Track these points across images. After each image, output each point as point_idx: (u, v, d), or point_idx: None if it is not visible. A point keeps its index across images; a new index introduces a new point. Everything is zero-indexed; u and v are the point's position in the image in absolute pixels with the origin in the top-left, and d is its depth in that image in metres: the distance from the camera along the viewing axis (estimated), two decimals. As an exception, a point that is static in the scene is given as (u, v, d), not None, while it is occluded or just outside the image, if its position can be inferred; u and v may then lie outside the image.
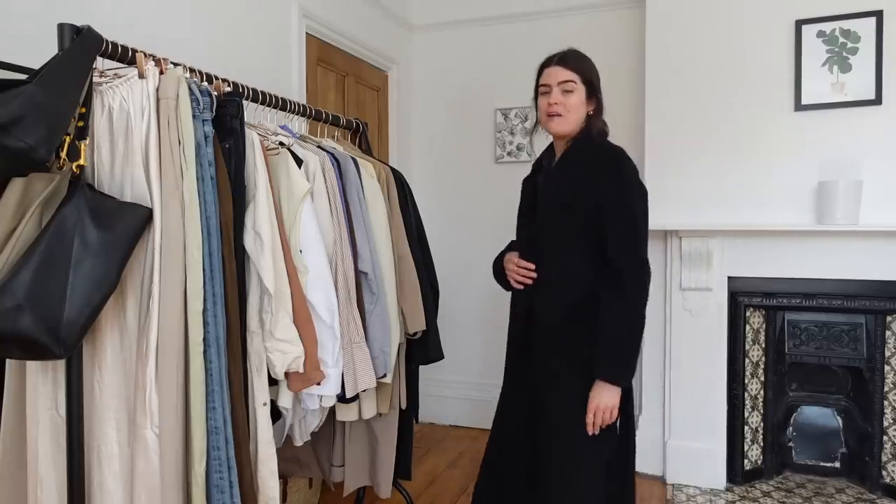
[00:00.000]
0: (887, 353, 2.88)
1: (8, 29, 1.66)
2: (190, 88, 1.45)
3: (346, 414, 2.11)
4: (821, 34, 2.87)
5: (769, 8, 2.94)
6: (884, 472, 2.88)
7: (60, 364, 1.38)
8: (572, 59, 1.76)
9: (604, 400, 1.65)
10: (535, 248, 1.78)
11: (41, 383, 1.39)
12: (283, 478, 2.35)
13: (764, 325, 3.07)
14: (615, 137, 1.84)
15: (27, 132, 1.19)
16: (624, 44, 3.43)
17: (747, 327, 3.04)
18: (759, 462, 3.09)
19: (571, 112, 1.73)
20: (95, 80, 1.40)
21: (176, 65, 1.54)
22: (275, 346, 1.61)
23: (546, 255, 1.75)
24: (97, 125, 1.40)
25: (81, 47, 1.34)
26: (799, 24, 2.89)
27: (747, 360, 3.05)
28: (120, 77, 1.43)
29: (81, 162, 1.33)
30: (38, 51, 1.46)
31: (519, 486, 1.79)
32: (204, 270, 1.41)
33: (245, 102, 1.74)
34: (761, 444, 3.09)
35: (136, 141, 1.39)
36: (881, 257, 2.78)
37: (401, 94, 3.83)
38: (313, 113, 2.30)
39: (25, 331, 1.20)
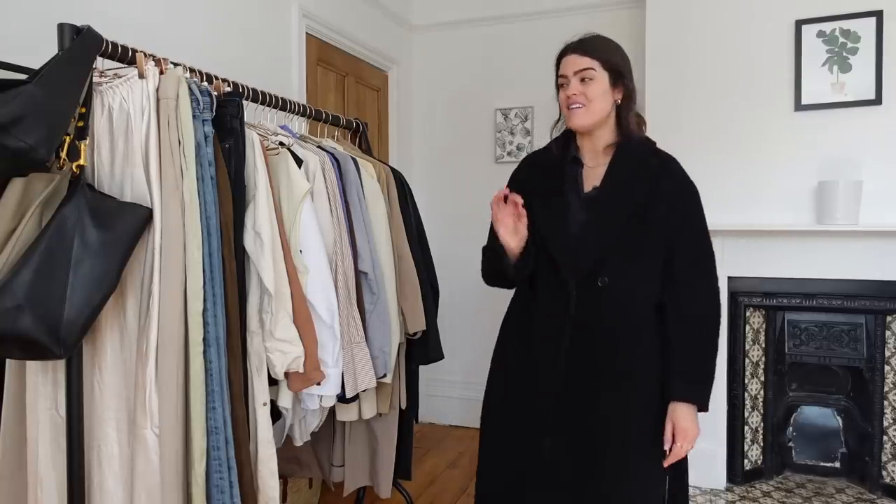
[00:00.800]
0: (887, 353, 2.88)
1: (8, 29, 1.66)
2: (190, 88, 1.45)
3: (346, 414, 2.11)
4: (821, 34, 2.86)
5: (769, 8, 2.94)
6: (884, 472, 2.88)
7: (60, 364, 1.38)
8: (591, 45, 1.56)
9: (692, 426, 1.49)
10: (589, 258, 1.52)
11: (41, 383, 1.39)
12: (283, 478, 2.35)
13: (764, 325, 3.07)
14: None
15: (27, 132, 1.19)
16: (624, 44, 3.42)
17: (747, 327, 3.04)
18: (759, 462, 3.09)
19: (593, 102, 1.53)
20: (95, 80, 1.40)
21: (176, 65, 1.54)
22: (275, 346, 1.61)
23: (609, 267, 1.51)
24: (97, 125, 1.40)
25: (81, 47, 1.34)
26: (799, 24, 2.89)
27: (747, 360, 3.05)
28: (120, 77, 1.43)
29: (81, 162, 1.33)
30: (38, 51, 1.46)
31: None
32: (204, 270, 1.41)
33: (245, 102, 1.74)
34: (761, 444, 3.09)
35: (136, 141, 1.39)
36: (881, 257, 2.78)
37: (401, 94, 3.83)
38: (313, 113, 2.30)
39: (25, 331, 1.20)
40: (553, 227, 1.55)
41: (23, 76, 1.29)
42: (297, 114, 2.21)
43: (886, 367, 2.88)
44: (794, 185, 2.92)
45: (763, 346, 3.08)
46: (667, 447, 1.52)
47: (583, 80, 1.53)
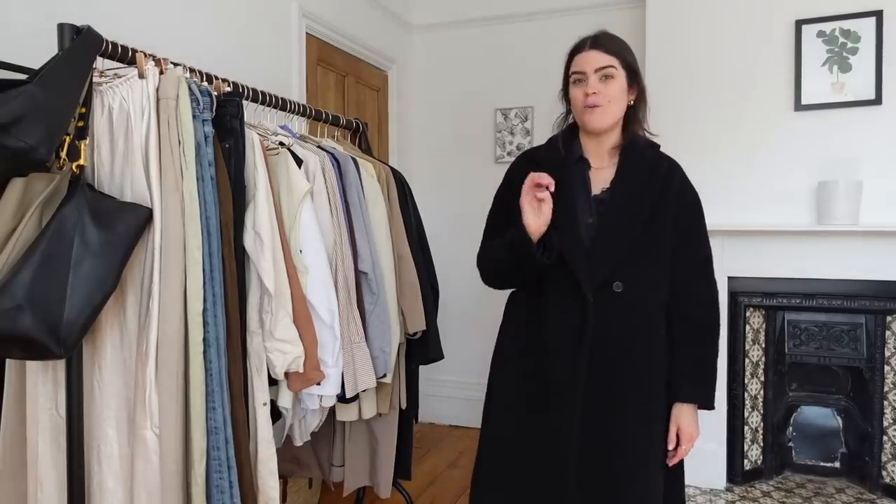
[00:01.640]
0: (887, 353, 2.88)
1: (8, 29, 1.66)
2: (190, 88, 1.45)
3: (346, 414, 2.11)
4: (821, 34, 2.86)
5: (769, 8, 2.94)
6: (884, 472, 2.88)
7: (60, 364, 1.38)
8: (609, 42, 1.49)
9: (695, 427, 1.51)
10: (606, 263, 1.47)
11: (41, 383, 1.39)
12: (283, 478, 2.35)
13: (764, 325, 3.07)
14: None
15: (27, 132, 1.19)
16: (624, 44, 3.43)
17: (747, 327, 3.04)
18: (759, 462, 3.09)
19: (613, 103, 1.47)
20: (95, 80, 1.40)
21: (176, 65, 1.54)
22: (275, 346, 1.61)
23: (623, 272, 1.47)
24: (97, 125, 1.40)
25: (81, 47, 1.34)
26: (799, 24, 2.89)
27: (747, 360, 3.05)
28: (120, 77, 1.43)
29: (81, 162, 1.33)
30: (38, 51, 1.46)
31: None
32: (204, 270, 1.41)
33: (245, 102, 1.74)
34: (761, 444, 3.09)
35: (136, 141, 1.39)
36: (881, 257, 2.78)
37: (401, 94, 3.83)
38: (313, 113, 2.30)
39: (25, 331, 1.20)
40: (564, 229, 1.48)
41: (23, 76, 1.29)
42: (297, 114, 2.21)
43: (886, 367, 2.88)
44: (794, 185, 2.92)
45: (763, 346, 3.08)
46: (671, 447, 1.53)
47: (603, 78, 1.46)
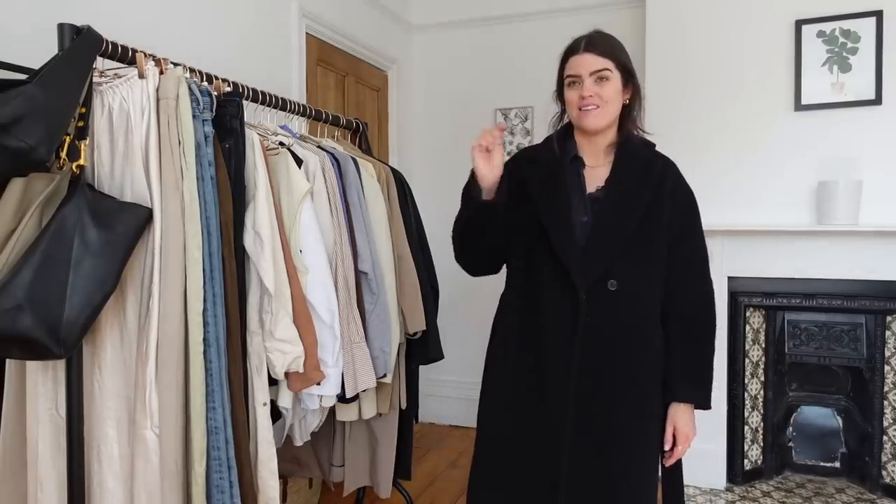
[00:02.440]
0: (887, 353, 2.88)
1: (8, 29, 1.66)
2: (190, 88, 1.45)
3: (346, 414, 2.11)
4: (821, 34, 2.86)
5: (769, 8, 2.94)
6: (884, 472, 2.88)
7: (60, 364, 1.38)
8: (602, 43, 1.50)
9: (691, 426, 1.51)
10: (601, 262, 1.47)
11: (41, 383, 1.39)
12: (283, 478, 2.35)
13: (764, 325, 3.07)
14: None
15: (27, 132, 1.19)
16: (624, 44, 3.42)
17: (747, 327, 3.04)
18: (759, 462, 3.09)
19: (609, 104, 1.48)
20: (95, 80, 1.40)
21: (176, 65, 1.54)
22: (275, 346, 1.61)
23: (618, 271, 1.47)
24: (97, 125, 1.40)
25: (81, 47, 1.34)
26: (799, 24, 2.89)
27: (747, 360, 3.05)
28: (120, 77, 1.43)
29: (81, 162, 1.33)
30: (38, 51, 1.46)
31: None
32: (204, 270, 1.41)
33: (245, 102, 1.74)
34: (761, 444, 3.09)
35: (136, 141, 1.39)
36: (881, 257, 2.78)
37: (401, 94, 3.83)
38: (313, 113, 2.30)
39: (25, 331, 1.20)
40: (559, 228, 1.48)
41: (23, 76, 1.29)
42: (297, 114, 2.21)
43: (886, 367, 2.88)
44: (794, 185, 2.92)
45: (763, 346, 3.08)
46: (667, 447, 1.53)
47: (598, 80, 1.47)
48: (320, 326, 1.76)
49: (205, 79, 1.66)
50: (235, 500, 1.44)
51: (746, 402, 3.05)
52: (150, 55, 1.48)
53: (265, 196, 1.61)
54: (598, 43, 1.49)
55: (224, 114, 1.56)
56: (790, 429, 3.13)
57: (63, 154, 1.32)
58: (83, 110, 1.35)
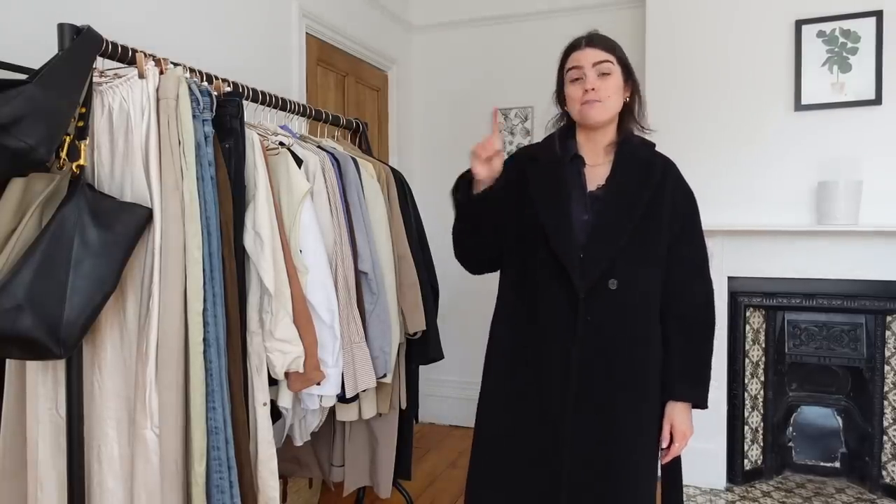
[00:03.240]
0: (887, 353, 2.88)
1: (8, 29, 1.66)
2: (190, 88, 1.45)
3: (346, 414, 2.11)
4: (821, 34, 2.87)
5: (769, 8, 2.94)
6: (884, 472, 2.88)
7: (60, 364, 1.38)
8: (602, 40, 1.51)
9: (688, 425, 1.51)
10: (601, 261, 1.46)
11: (41, 383, 1.39)
12: (283, 478, 2.35)
13: (764, 325, 3.07)
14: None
15: (27, 132, 1.19)
16: (624, 44, 3.41)
17: (747, 327, 3.04)
18: (759, 462, 3.09)
19: (611, 98, 1.49)
20: (95, 80, 1.40)
21: (176, 65, 1.54)
22: (275, 345, 1.61)
23: (619, 270, 1.46)
24: (97, 125, 1.40)
25: (81, 47, 1.34)
26: (799, 24, 2.89)
27: (747, 360, 3.05)
28: (120, 77, 1.43)
29: (81, 162, 1.33)
30: (38, 51, 1.46)
31: None
32: (204, 270, 1.41)
33: (245, 102, 1.74)
34: (761, 444, 3.09)
35: (136, 141, 1.39)
36: (881, 257, 2.78)
37: (401, 94, 3.83)
38: (313, 113, 2.30)
39: (25, 331, 1.20)
40: (559, 227, 1.48)
41: (23, 76, 1.29)
42: (297, 114, 2.21)
43: (886, 367, 2.88)
44: (794, 185, 2.92)
45: (763, 346, 3.08)
46: (664, 445, 1.53)
47: (601, 73, 1.48)
48: (320, 326, 1.76)
49: (205, 79, 1.66)
50: (235, 500, 1.44)
51: (746, 402, 3.05)
52: (150, 55, 1.48)
53: (265, 196, 1.61)
54: (599, 39, 1.52)
55: (224, 114, 1.56)
56: (790, 429, 3.13)
57: (63, 154, 1.32)
58: (83, 110, 1.35)
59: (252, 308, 1.63)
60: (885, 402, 2.88)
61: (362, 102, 3.46)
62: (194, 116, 1.43)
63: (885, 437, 2.88)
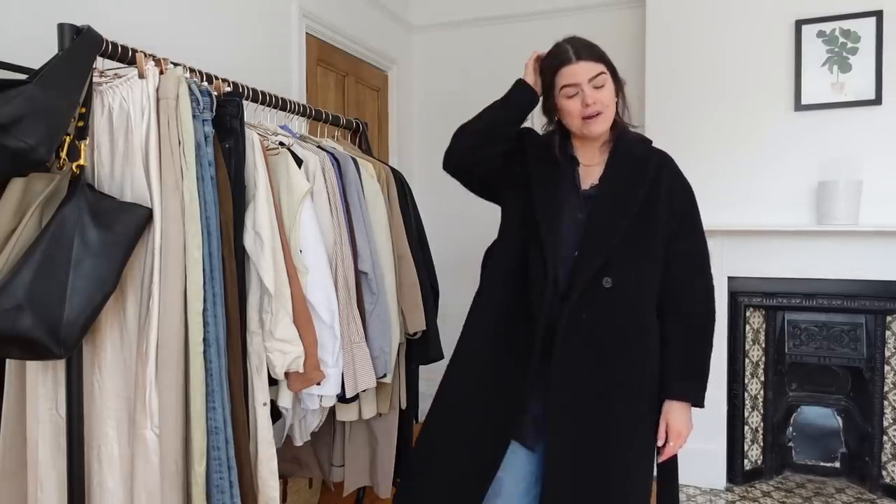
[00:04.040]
0: (887, 353, 2.88)
1: (8, 29, 1.66)
2: (190, 88, 1.45)
3: (346, 414, 2.11)
4: (821, 34, 2.87)
5: (769, 8, 2.94)
6: (884, 472, 2.88)
7: (60, 364, 1.38)
8: (589, 49, 1.51)
9: (687, 425, 1.51)
10: (595, 260, 1.46)
11: (41, 383, 1.39)
12: (283, 478, 2.35)
13: (764, 325, 3.07)
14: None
15: (27, 132, 1.19)
16: (624, 44, 3.43)
17: (747, 327, 3.04)
18: (759, 462, 3.09)
19: (609, 107, 1.51)
20: (95, 80, 1.40)
21: (176, 65, 1.53)
22: (275, 346, 1.61)
23: (613, 268, 1.47)
24: (97, 125, 1.40)
25: (81, 47, 1.34)
26: (799, 24, 2.89)
27: (747, 360, 3.05)
28: (120, 77, 1.43)
29: (81, 162, 1.33)
30: (39, 51, 1.46)
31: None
32: (204, 270, 1.41)
33: (245, 102, 1.74)
34: (761, 444, 3.09)
35: (136, 141, 1.39)
36: (881, 257, 2.78)
37: (401, 94, 3.83)
38: (313, 113, 2.30)
39: (25, 331, 1.20)
40: (550, 229, 1.49)
41: (23, 76, 1.29)
42: (297, 114, 2.21)
43: (886, 367, 2.88)
44: (794, 185, 2.92)
45: (763, 346, 3.08)
46: (660, 443, 1.52)
47: (597, 86, 1.49)
48: (320, 326, 1.76)
49: (205, 79, 1.66)
50: (235, 500, 1.44)
51: (746, 402, 3.05)
52: (150, 55, 1.48)
53: (265, 196, 1.61)
54: (587, 50, 1.51)
55: (224, 114, 1.56)
56: (790, 429, 3.13)
57: (63, 154, 1.32)
58: (83, 110, 1.35)
59: (252, 308, 1.62)
60: (885, 402, 2.88)
61: (362, 102, 3.46)
62: (194, 116, 1.43)
63: (885, 437, 2.88)
